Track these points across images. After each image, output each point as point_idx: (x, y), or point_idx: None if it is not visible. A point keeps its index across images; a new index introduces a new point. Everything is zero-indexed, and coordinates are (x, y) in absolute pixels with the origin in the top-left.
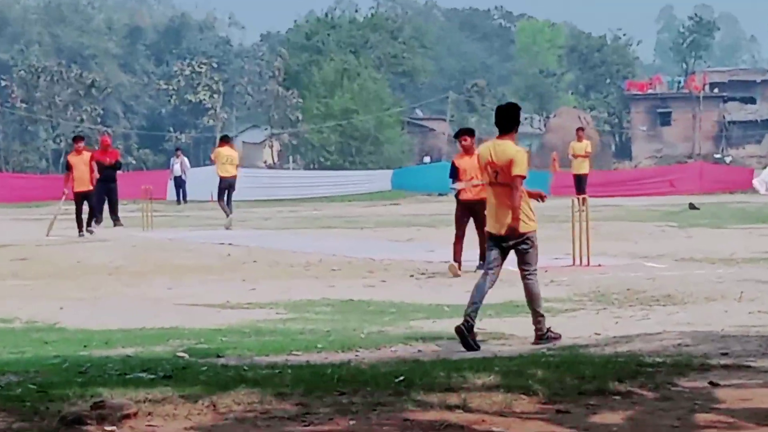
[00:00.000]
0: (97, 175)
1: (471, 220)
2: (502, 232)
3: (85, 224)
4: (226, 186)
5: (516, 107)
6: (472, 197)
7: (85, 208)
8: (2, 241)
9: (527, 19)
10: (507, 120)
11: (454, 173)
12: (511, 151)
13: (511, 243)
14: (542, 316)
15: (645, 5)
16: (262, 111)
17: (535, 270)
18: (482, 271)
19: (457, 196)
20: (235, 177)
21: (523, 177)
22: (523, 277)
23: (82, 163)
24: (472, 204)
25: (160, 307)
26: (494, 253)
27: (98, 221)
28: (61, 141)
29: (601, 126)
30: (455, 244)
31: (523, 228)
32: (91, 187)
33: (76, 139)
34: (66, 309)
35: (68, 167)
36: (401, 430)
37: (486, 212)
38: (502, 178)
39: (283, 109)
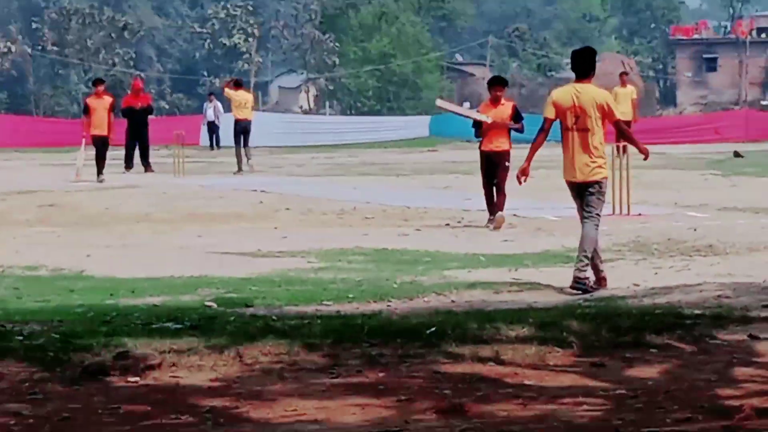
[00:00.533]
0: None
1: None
2: (580, 179)
3: (98, 171)
4: (240, 130)
5: (593, 51)
6: (492, 148)
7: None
8: (31, 186)
9: None
10: (586, 64)
11: (478, 123)
12: (602, 95)
13: (587, 188)
14: (587, 263)
15: None
16: (298, 55)
17: (598, 215)
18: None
19: (479, 147)
20: (248, 120)
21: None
22: (583, 218)
23: (101, 107)
24: (491, 155)
25: (190, 256)
26: (578, 201)
27: (129, 167)
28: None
29: (645, 72)
30: (486, 195)
31: (598, 175)
32: (107, 132)
33: (97, 81)
34: (93, 257)
35: (86, 110)
36: (431, 383)
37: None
38: (582, 124)
39: (319, 53)
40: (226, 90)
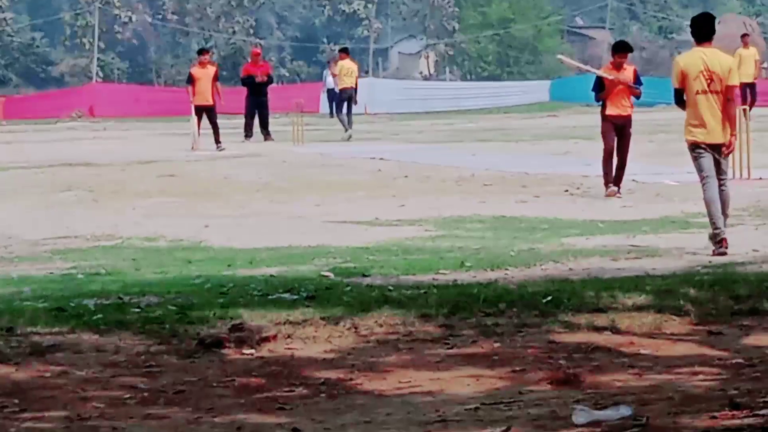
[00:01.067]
0: (216, 90)
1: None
2: (720, 140)
3: (214, 140)
4: (346, 98)
5: (711, 16)
6: (618, 113)
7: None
8: (150, 157)
9: None
10: (707, 28)
11: (600, 86)
12: (728, 60)
13: (718, 152)
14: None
15: None
16: (418, 21)
17: (729, 178)
18: (707, 183)
19: (602, 112)
20: (353, 88)
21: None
22: (722, 182)
23: (205, 77)
24: (618, 119)
25: (308, 225)
26: (707, 162)
27: (249, 136)
28: (213, 53)
29: (767, 31)
30: (605, 163)
31: (727, 137)
32: (212, 102)
33: (201, 51)
34: (212, 227)
35: (190, 80)
36: (547, 353)
37: (690, 122)
38: (715, 87)
39: (439, 18)
40: (337, 61)
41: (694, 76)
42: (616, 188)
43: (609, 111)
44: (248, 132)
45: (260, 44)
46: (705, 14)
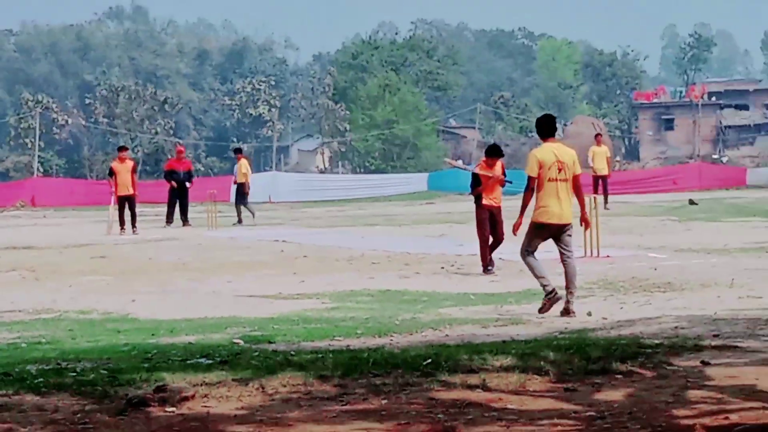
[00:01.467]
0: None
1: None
2: (564, 221)
3: (129, 225)
4: (247, 190)
5: (552, 116)
6: (491, 203)
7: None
8: (84, 241)
9: (547, 39)
10: (551, 127)
11: (477, 182)
12: (572, 152)
13: (564, 230)
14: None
15: (651, 24)
16: (315, 122)
17: (576, 255)
18: (530, 255)
19: (479, 202)
20: (246, 183)
21: (529, 177)
22: (565, 258)
23: (124, 170)
24: (492, 209)
25: (221, 299)
26: (540, 240)
27: (170, 222)
28: (138, 151)
29: (612, 131)
30: (483, 248)
31: (570, 218)
32: (132, 192)
33: (121, 148)
34: (138, 301)
35: (111, 173)
36: (427, 408)
37: (541, 205)
38: (564, 176)
39: (332, 120)
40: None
41: (548, 166)
42: (492, 268)
43: (485, 201)
44: (170, 219)
45: (180, 143)
46: (547, 115)
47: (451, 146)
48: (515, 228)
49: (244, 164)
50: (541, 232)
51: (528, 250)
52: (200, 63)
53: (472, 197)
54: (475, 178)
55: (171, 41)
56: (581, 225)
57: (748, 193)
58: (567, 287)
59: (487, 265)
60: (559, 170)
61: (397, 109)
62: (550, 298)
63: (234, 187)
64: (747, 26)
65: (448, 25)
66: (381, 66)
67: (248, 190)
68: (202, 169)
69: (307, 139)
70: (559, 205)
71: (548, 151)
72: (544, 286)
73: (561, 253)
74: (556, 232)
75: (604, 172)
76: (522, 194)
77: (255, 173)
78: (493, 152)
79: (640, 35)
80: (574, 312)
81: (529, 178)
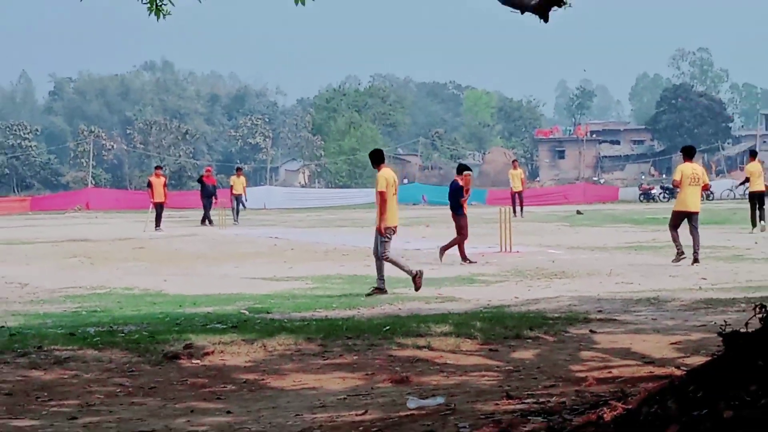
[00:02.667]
0: (165, 192)
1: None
2: (396, 224)
3: (155, 225)
4: (238, 200)
5: (380, 150)
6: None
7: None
8: (126, 235)
9: (471, 89)
10: (379, 157)
11: (461, 194)
12: (394, 175)
13: (395, 232)
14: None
15: (547, 79)
16: (298, 149)
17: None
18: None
19: (462, 210)
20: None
21: (380, 192)
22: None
23: (159, 184)
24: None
25: (230, 280)
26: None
27: (210, 223)
28: (166, 170)
29: (519, 159)
30: (461, 245)
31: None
32: (164, 200)
33: (157, 167)
34: (168, 281)
35: (149, 185)
36: (387, 363)
37: (387, 216)
38: (394, 191)
39: (311, 148)
40: (233, 177)
41: (389, 186)
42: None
43: (466, 211)
44: (207, 220)
45: (211, 165)
46: (376, 150)
47: (399, 169)
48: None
49: (242, 180)
50: (390, 236)
51: (389, 250)
52: (212, 104)
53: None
54: (460, 192)
55: (191, 87)
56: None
57: (620, 206)
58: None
59: (466, 258)
60: (395, 188)
61: (359, 140)
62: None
63: (234, 196)
64: (618, 82)
65: (397, 78)
66: (347, 108)
67: (244, 200)
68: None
69: (292, 161)
70: (394, 213)
71: (389, 174)
72: (408, 271)
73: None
74: (394, 233)
75: (519, 189)
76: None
77: (253, 187)
78: (466, 168)
79: (540, 87)
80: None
81: (382, 193)
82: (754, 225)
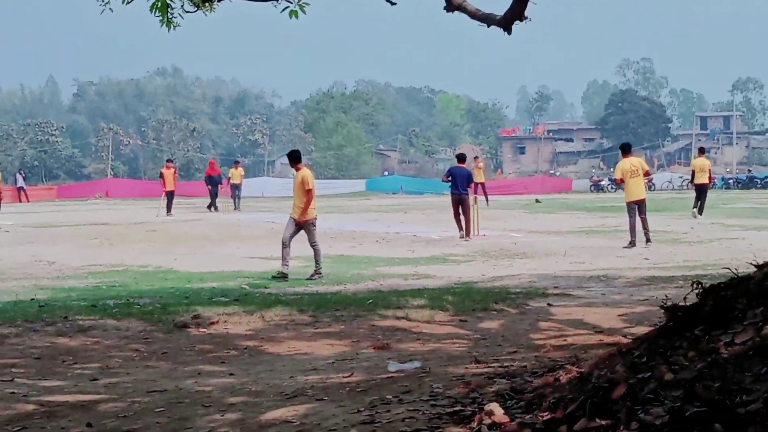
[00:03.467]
0: (175, 182)
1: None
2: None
3: (166, 210)
4: (236, 188)
5: (297, 150)
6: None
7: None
8: (142, 220)
9: (443, 93)
10: (297, 157)
11: (472, 178)
12: (306, 173)
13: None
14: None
15: (510, 84)
16: (291, 144)
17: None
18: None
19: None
20: (240, 183)
21: (310, 189)
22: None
23: (170, 175)
24: (458, 197)
25: (233, 259)
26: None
27: (216, 209)
28: (176, 162)
29: (485, 154)
30: (457, 218)
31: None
32: (174, 188)
33: (168, 160)
34: (178, 260)
35: (161, 176)
36: (370, 332)
37: (313, 206)
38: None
39: (303, 144)
40: (231, 169)
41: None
42: (463, 233)
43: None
44: (214, 206)
45: (215, 158)
46: (295, 150)
47: (380, 162)
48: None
49: (240, 171)
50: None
51: (288, 240)
52: (217, 105)
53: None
54: (471, 176)
55: (197, 90)
56: None
57: (573, 195)
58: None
59: (461, 230)
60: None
61: (346, 138)
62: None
63: (232, 186)
64: (572, 88)
65: (379, 83)
66: (335, 109)
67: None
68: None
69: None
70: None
71: (307, 173)
72: (285, 265)
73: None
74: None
75: (482, 180)
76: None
77: (252, 178)
78: (462, 157)
79: (504, 92)
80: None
81: (310, 191)
82: (700, 212)
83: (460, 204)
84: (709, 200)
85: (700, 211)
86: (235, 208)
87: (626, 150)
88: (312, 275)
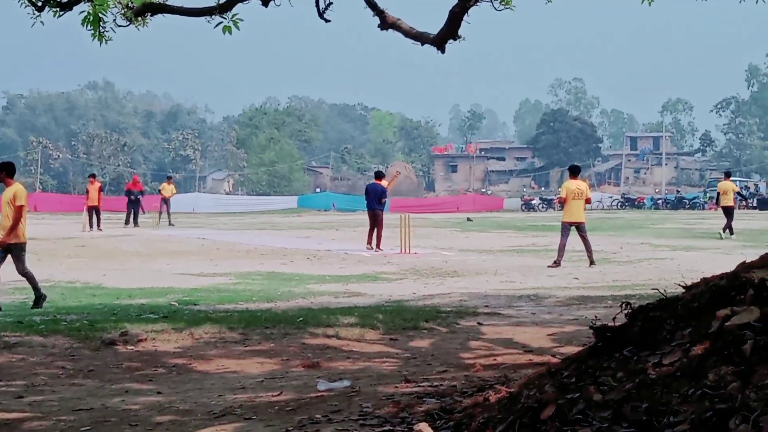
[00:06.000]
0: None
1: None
2: None
3: (95, 225)
4: (166, 203)
5: (9, 163)
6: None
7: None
8: (70, 235)
9: (376, 110)
10: (11, 170)
11: (385, 193)
12: (8, 191)
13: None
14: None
15: (443, 103)
16: (223, 161)
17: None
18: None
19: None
20: (169, 198)
21: (22, 206)
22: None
23: (93, 190)
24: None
25: (162, 275)
26: None
27: (127, 224)
28: (107, 177)
29: (417, 172)
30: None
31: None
32: (97, 203)
33: (91, 175)
34: (107, 276)
35: (86, 191)
36: (301, 350)
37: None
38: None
39: (235, 160)
40: (163, 184)
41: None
42: (371, 246)
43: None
44: (127, 222)
45: (135, 173)
46: (9, 163)
47: (312, 179)
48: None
49: (171, 187)
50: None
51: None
52: (148, 119)
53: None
54: (384, 192)
55: (129, 104)
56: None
57: (504, 214)
58: None
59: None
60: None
61: (278, 154)
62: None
63: (163, 200)
64: (504, 107)
65: (312, 99)
66: (268, 125)
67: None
68: (150, 189)
69: (218, 171)
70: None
71: (23, 188)
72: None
73: None
74: None
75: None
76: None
77: (184, 193)
78: (380, 174)
79: (436, 110)
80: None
81: (22, 207)
82: (731, 233)
83: (373, 218)
84: (637, 220)
85: (731, 232)
86: (169, 224)
87: (574, 172)
88: (35, 303)
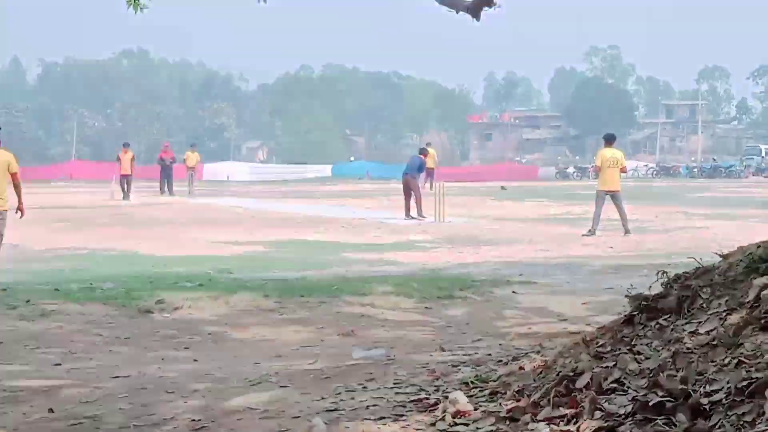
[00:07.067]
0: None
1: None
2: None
3: (126, 194)
4: (191, 172)
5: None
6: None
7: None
8: (106, 204)
9: (411, 79)
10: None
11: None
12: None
13: None
14: None
15: (478, 70)
16: (258, 129)
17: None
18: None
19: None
20: (195, 167)
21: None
22: None
23: (126, 159)
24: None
25: (198, 244)
26: None
27: (162, 193)
28: (142, 145)
29: (452, 140)
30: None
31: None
32: (129, 173)
33: (124, 144)
34: (143, 244)
35: (117, 159)
36: (336, 318)
37: None
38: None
39: (270, 129)
40: (187, 153)
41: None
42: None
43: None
44: (162, 190)
45: (168, 141)
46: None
47: (347, 148)
48: None
49: (196, 155)
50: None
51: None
52: (183, 88)
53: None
54: (423, 165)
55: (164, 73)
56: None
57: (539, 183)
58: None
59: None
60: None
61: (312, 122)
62: None
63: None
64: (539, 75)
65: (346, 67)
66: (302, 94)
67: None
68: (182, 158)
69: (253, 140)
70: None
71: (13, 156)
72: None
73: None
74: None
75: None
76: None
77: (218, 162)
78: (424, 149)
79: (471, 78)
80: None
81: (17, 174)
82: None
83: (406, 186)
84: (674, 189)
85: None
86: (189, 193)
87: (609, 140)
88: None
